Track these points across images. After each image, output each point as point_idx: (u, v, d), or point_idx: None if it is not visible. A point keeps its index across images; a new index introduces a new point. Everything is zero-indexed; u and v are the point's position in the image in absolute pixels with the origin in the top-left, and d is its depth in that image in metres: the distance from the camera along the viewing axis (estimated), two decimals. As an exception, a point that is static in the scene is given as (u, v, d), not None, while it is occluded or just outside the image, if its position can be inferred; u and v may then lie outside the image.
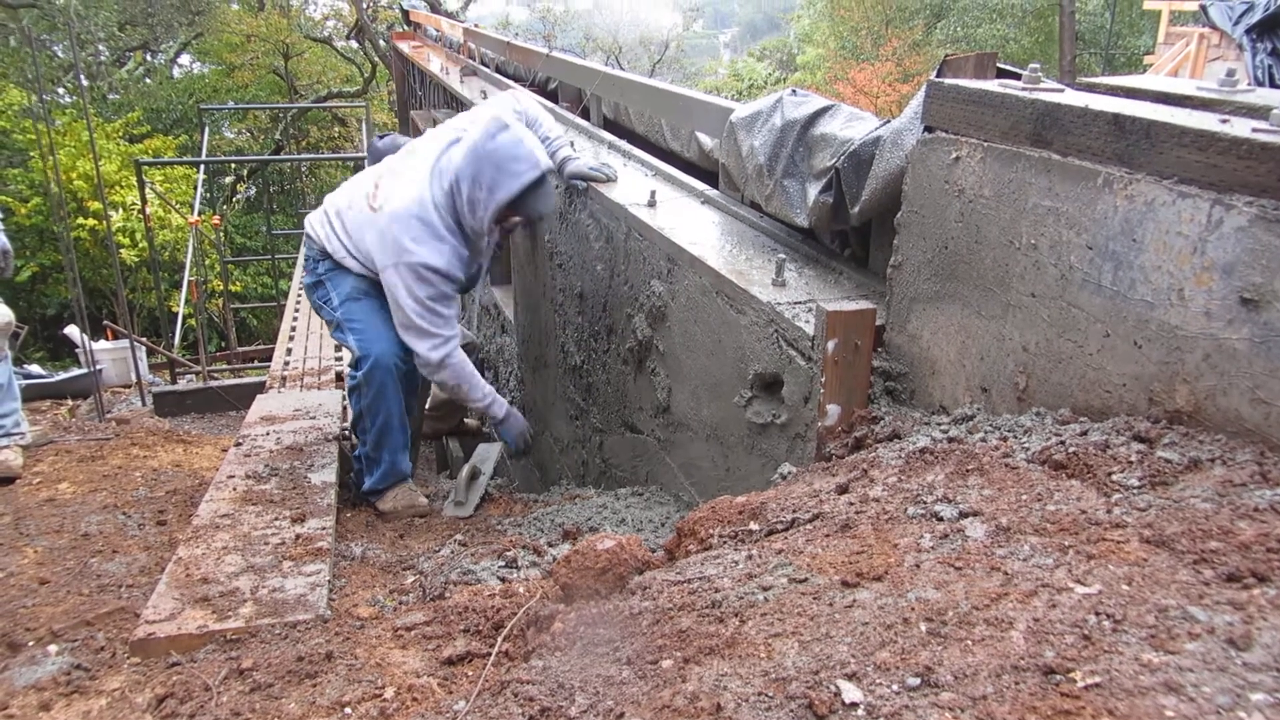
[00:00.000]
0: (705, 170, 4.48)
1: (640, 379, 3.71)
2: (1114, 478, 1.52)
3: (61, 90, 21.68)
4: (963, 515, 1.53)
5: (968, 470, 1.70)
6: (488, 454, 4.46)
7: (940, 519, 1.54)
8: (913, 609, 1.28)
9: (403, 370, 3.84)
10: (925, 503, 1.62)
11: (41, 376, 10.99)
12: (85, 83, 15.72)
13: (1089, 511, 1.42)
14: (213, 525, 3.07)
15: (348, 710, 1.79)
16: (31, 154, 15.93)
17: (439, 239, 3.60)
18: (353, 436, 4.22)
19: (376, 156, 4.89)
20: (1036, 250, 1.93)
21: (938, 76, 2.33)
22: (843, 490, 1.85)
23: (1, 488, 4.21)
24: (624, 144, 4.95)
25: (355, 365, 3.81)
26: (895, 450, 1.97)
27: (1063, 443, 1.68)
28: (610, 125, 5.79)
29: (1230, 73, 1.95)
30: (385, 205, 3.65)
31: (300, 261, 12.21)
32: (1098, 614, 1.17)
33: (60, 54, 21.65)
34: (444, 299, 3.68)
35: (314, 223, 3.97)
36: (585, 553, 1.94)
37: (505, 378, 5.86)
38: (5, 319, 4.50)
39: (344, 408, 4.65)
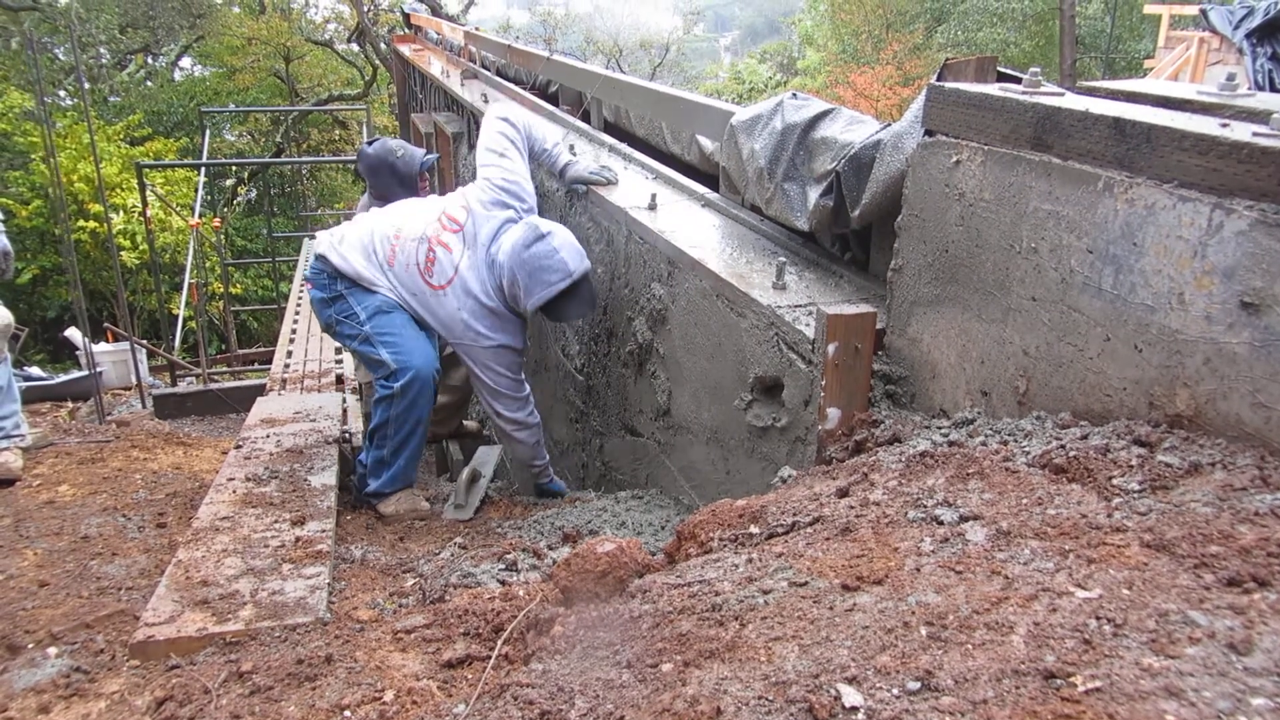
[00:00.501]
0: (706, 173, 4.48)
1: (640, 382, 3.71)
2: (1114, 482, 1.52)
3: (63, 93, 21.71)
4: (963, 519, 1.53)
5: (968, 474, 1.70)
6: (488, 457, 4.46)
7: (941, 523, 1.54)
8: (913, 613, 1.28)
9: (437, 382, 3.91)
10: (926, 506, 1.62)
11: (42, 379, 11.00)
12: (86, 85, 15.71)
13: (1089, 515, 1.42)
14: (212, 528, 3.06)
15: (347, 713, 1.78)
16: (33, 156, 15.96)
17: (505, 321, 3.89)
18: (359, 439, 4.22)
19: (366, 161, 4.89)
20: (1037, 254, 1.93)
21: (938, 80, 2.34)
22: (843, 494, 1.85)
23: (1, 490, 4.21)
24: (625, 147, 4.96)
25: (390, 377, 3.78)
26: (895, 454, 1.97)
27: (1063, 447, 1.68)
28: (611, 128, 5.79)
29: (1230, 77, 1.95)
30: (449, 291, 3.84)
31: (301, 266, 12.22)
32: (1098, 618, 1.17)
33: (61, 56, 21.67)
34: (518, 366, 4.02)
35: (329, 249, 3.89)
36: (585, 556, 1.93)
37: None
38: (5, 321, 4.50)
39: (344, 410, 4.64)
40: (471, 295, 3.82)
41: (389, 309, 3.83)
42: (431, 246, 3.85)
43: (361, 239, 3.89)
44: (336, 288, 3.88)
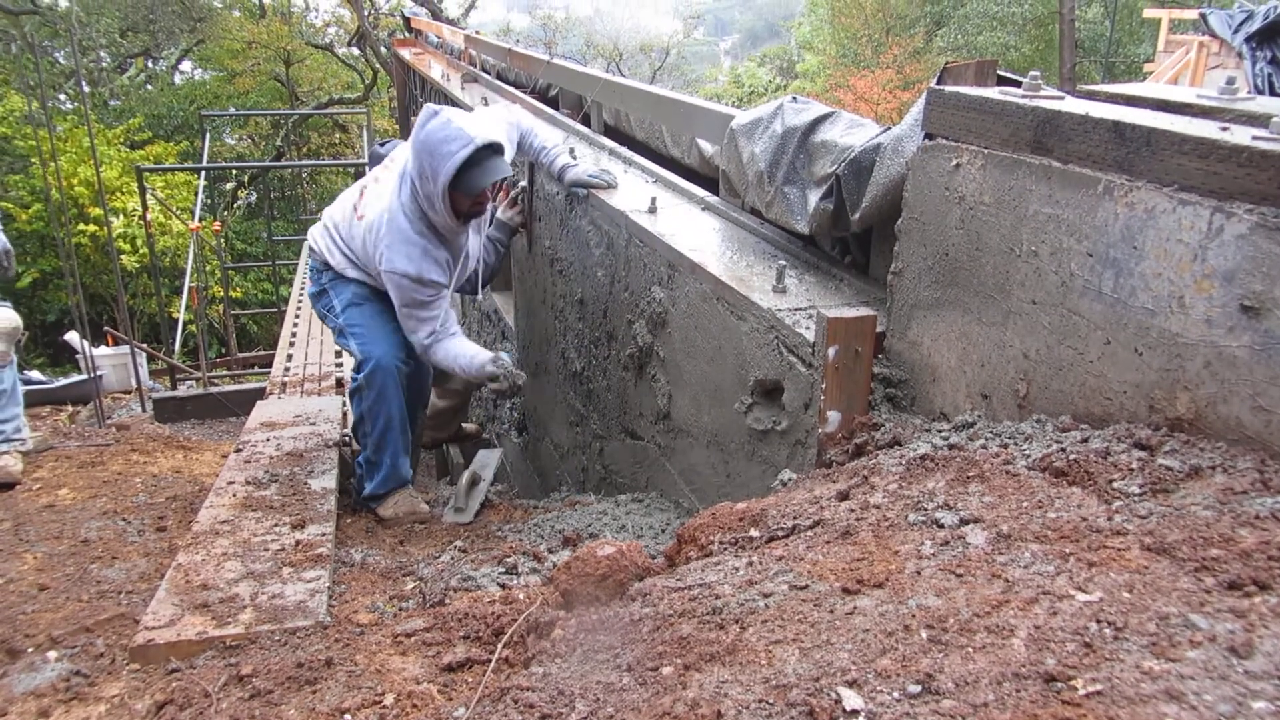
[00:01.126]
0: (706, 177, 4.49)
1: (641, 385, 3.71)
2: (1115, 485, 1.52)
3: (63, 96, 21.72)
4: (963, 522, 1.53)
5: (968, 477, 1.70)
6: (488, 460, 4.46)
7: (941, 526, 1.54)
8: (914, 616, 1.28)
9: (404, 372, 3.91)
10: (926, 510, 1.62)
11: (42, 382, 10.99)
12: (86, 89, 15.75)
13: (1090, 519, 1.42)
14: (213, 531, 3.06)
15: (347, 717, 1.78)
16: (33, 160, 15.95)
17: (408, 243, 3.69)
18: (353, 442, 4.23)
19: (377, 162, 4.90)
20: (1037, 257, 1.93)
21: (938, 84, 2.34)
22: (843, 497, 1.85)
23: (1, 494, 4.20)
24: (624, 150, 4.96)
25: (357, 368, 3.90)
26: (896, 457, 1.97)
27: (1063, 450, 1.68)
28: (611, 132, 5.80)
29: (1230, 80, 1.96)
30: (365, 214, 3.83)
31: (301, 268, 12.23)
32: (1099, 621, 1.17)
33: (62, 60, 21.68)
34: (417, 302, 3.80)
35: (315, 236, 4.12)
36: (585, 559, 1.94)
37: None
38: (13, 324, 4.50)
39: (344, 413, 4.65)
40: (377, 212, 3.76)
41: (361, 300, 3.96)
42: (365, 185, 3.95)
43: (331, 217, 4.06)
44: (321, 280, 4.05)
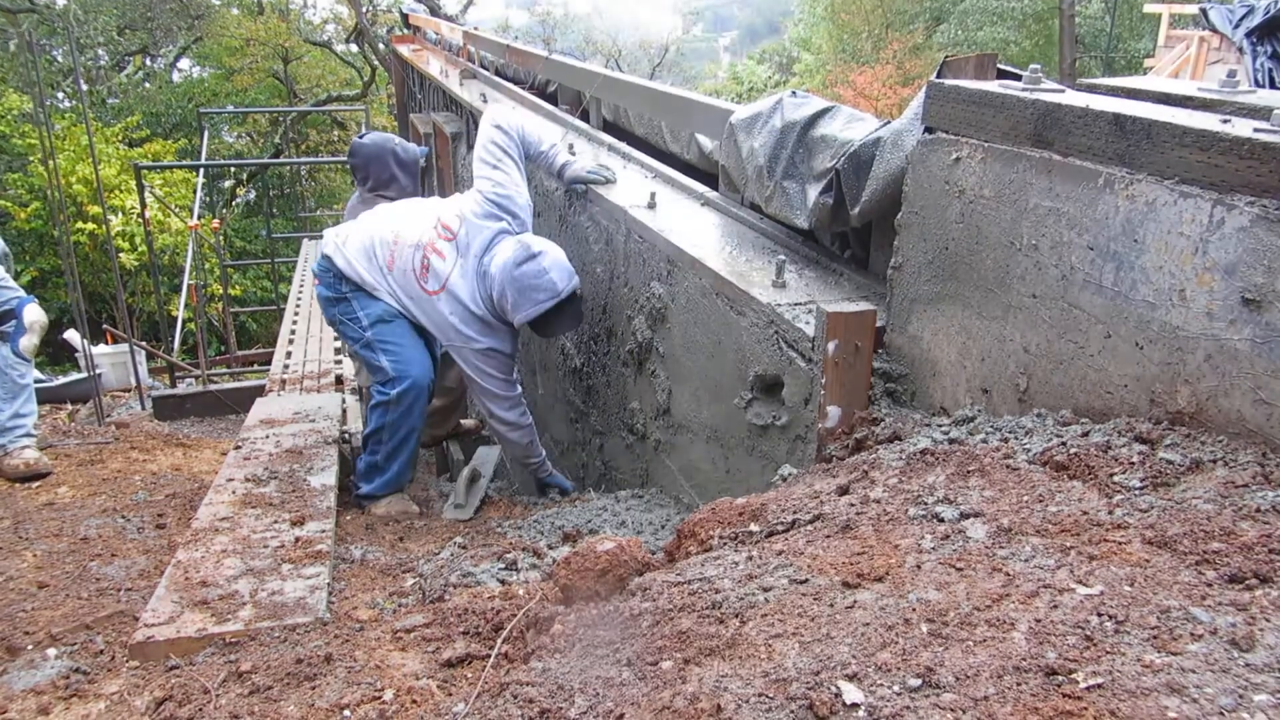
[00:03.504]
0: (705, 172, 4.48)
1: (640, 381, 3.71)
2: (1116, 479, 1.51)
3: (61, 95, 21.70)
4: (964, 516, 1.53)
5: (969, 471, 1.69)
6: (488, 457, 4.47)
7: (941, 520, 1.54)
8: (914, 610, 1.28)
9: (432, 391, 4.03)
10: (926, 504, 1.61)
11: (41, 381, 10.99)
12: (84, 87, 15.74)
13: (1091, 513, 1.42)
14: (212, 528, 3.06)
15: (347, 713, 1.78)
16: (31, 158, 15.94)
17: (494, 328, 3.96)
18: (353, 440, 4.24)
19: (365, 153, 4.86)
20: (1037, 251, 1.93)
21: (938, 78, 2.33)
22: (843, 491, 1.85)
23: (3, 491, 4.20)
24: (624, 146, 4.96)
25: (387, 384, 3.93)
26: (896, 452, 1.96)
27: (1064, 444, 1.68)
28: (610, 128, 5.79)
29: (1231, 74, 1.95)
30: (441, 296, 3.92)
31: (300, 266, 12.21)
32: (1100, 615, 1.16)
33: (60, 58, 21.67)
34: (509, 369, 4.07)
35: (335, 250, 4.02)
36: (585, 555, 1.93)
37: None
38: (45, 320, 4.52)
39: (343, 410, 4.64)
40: (461, 303, 3.91)
41: (390, 318, 3.96)
42: (426, 254, 3.94)
43: (363, 243, 3.98)
44: (342, 289, 3.99)
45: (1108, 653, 1.10)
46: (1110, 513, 1.41)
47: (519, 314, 3.82)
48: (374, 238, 3.97)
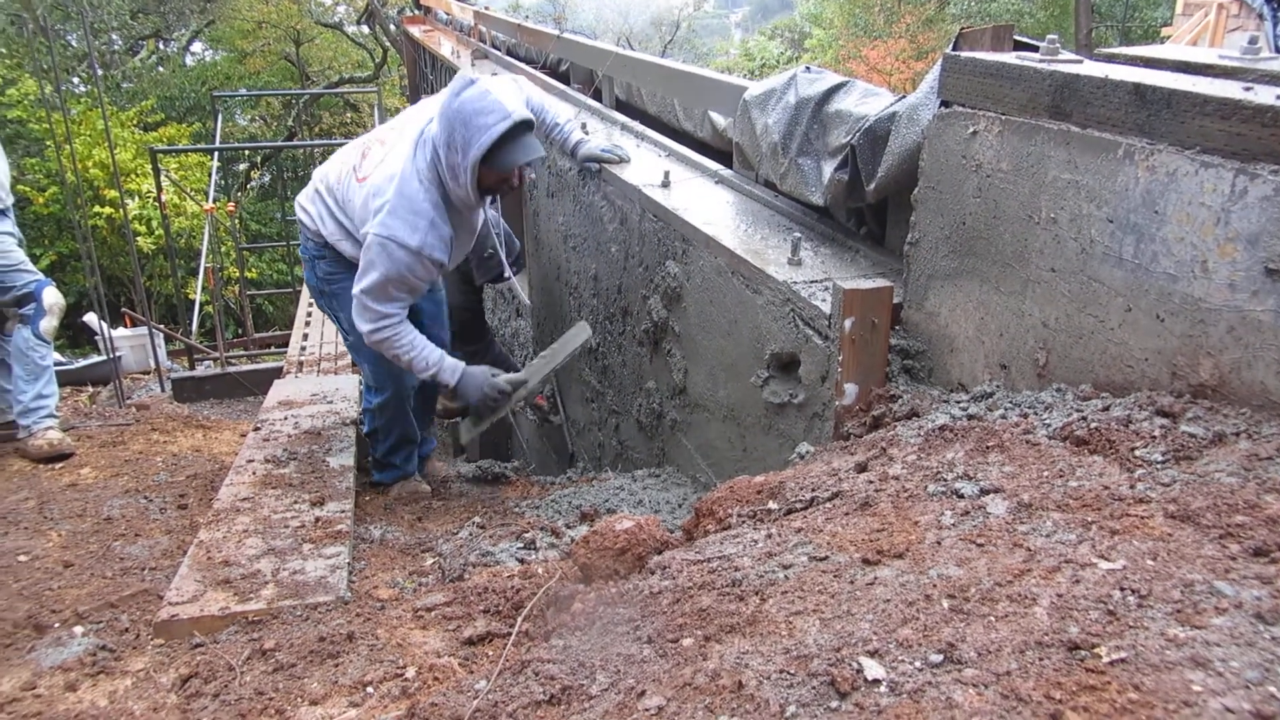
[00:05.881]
0: (719, 150, 4.45)
1: (656, 360, 3.70)
2: (1137, 453, 1.50)
3: (76, 79, 21.73)
4: (984, 492, 1.52)
5: (988, 447, 1.68)
6: (576, 335, 4.12)
7: (961, 496, 1.53)
8: (934, 586, 1.27)
9: (418, 391, 3.97)
10: (945, 480, 1.61)
11: (61, 363, 11.07)
12: (99, 71, 15.75)
13: (1112, 487, 1.41)
14: (233, 509, 3.08)
15: (369, 690, 1.79)
16: (48, 143, 15.98)
17: (415, 212, 3.35)
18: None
19: None
20: (1056, 224, 1.91)
21: (954, 50, 2.30)
22: (862, 468, 1.84)
23: (25, 472, 4.24)
24: (637, 125, 4.93)
25: (369, 390, 3.88)
26: (914, 428, 1.95)
27: (1084, 419, 1.66)
28: (622, 106, 5.76)
29: (1253, 40, 1.92)
30: (370, 176, 3.45)
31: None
32: (1122, 589, 1.16)
33: (74, 43, 21.67)
34: (404, 284, 3.41)
35: (303, 202, 3.73)
36: (604, 533, 1.93)
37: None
38: (63, 302, 4.55)
39: (360, 392, 4.66)
40: (387, 174, 3.40)
41: None
42: (368, 146, 3.60)
43: (322, 174, 3.68)
44: (318, 271, 3.75)
45: (1131, 627, 1.09)
46: (1132, 487, 1.40)
47: (472, 150, 3.26)
48: (338, 170, 3.63)
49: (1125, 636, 1.07)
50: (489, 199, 3.67)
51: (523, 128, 3.35)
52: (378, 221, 3.33)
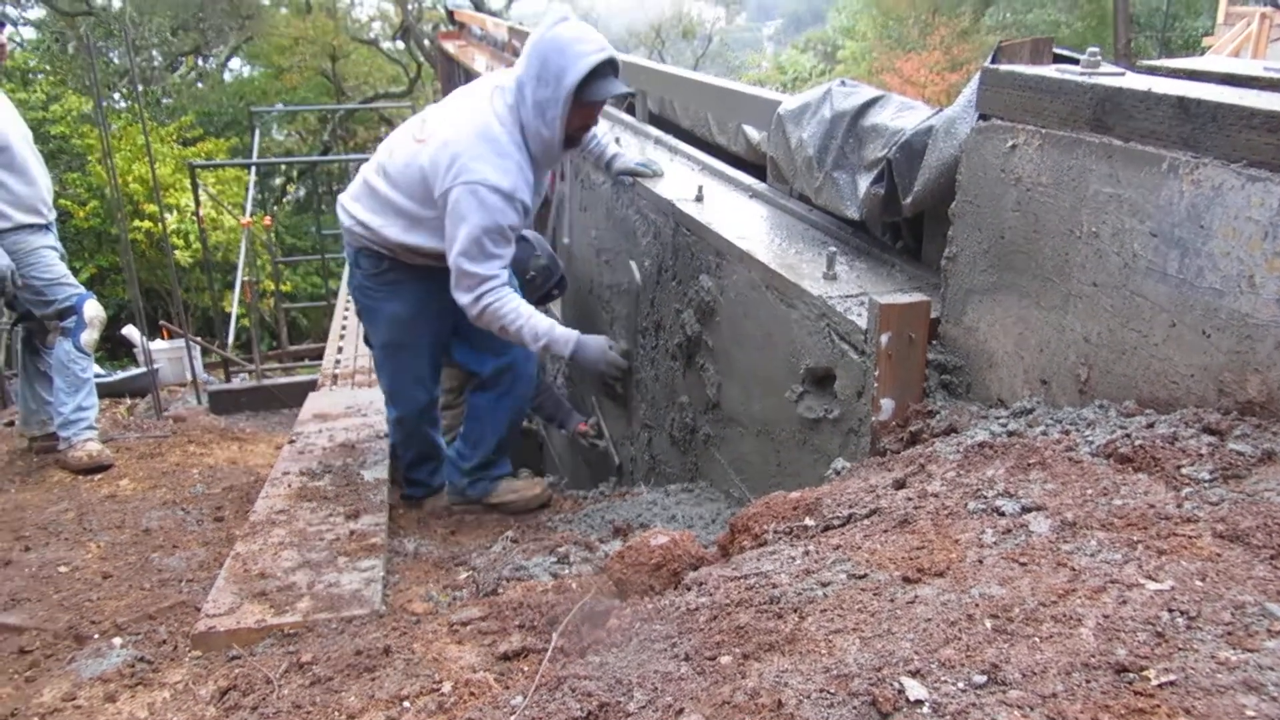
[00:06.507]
0: (753, 164, 4.44)
1: (689, 375, 3.70)
2: (1184, 471, 1.48)
3: (117, 95, 22.14)
4: (1025, 510, 1.50)
5: (1029, 464, 1.67)
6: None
7: (1002, 514, 1.51)
8: (977, 605, 1.26)
9: (438, 403, 3.95)
10: (986, 497, 1.59)
11: (100, 375, 11.23)
12: (140, 88, 16.02)
13: (1158, 506, 1.39)
14: (269, 521, 3.11)
15: (406, 704, 1.80)
16: (89, 158, 16.29)
17: (502, 154, 3.17)
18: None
19: None
20: (1098, 238, 1.89)
21: (992, 63, 2.29)
22: (900, 485, 1.83)
23: (65, 483, 4.31)
24: (670, 139, 4.94)
25: (386, 405, 3.88)
26: (953, 445, 1.94)
27: (1128, 436, 1.64)
28: (655, 120, 5.77)
29: (1300, 53, 1.89)
30: (435, 134, 3.26)
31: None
32: (1171, 611, 1.14)
33: (116, 60, 22.11)
34: (501, 234, 3.21)
35: (346, 201, 3.56)
36: (639, 549, 1.93)
37: (553, 374, 5.87)
38: (103, 315, 4.62)
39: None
40: (463, 123, 3.22)
41: (395, 342, 3.62)
42: (426, 116, 3.43)
43: (371, 163, 3.50)
44: (355, 282, 3.62)
45: (1180, 649, 1.07)
46: (1179, 506, 1.38)
47: (567, 78, 3.11)
48: (389, 149, 3.45)
49: (1174, 659, 1.06)
50: (566, 159, 3.57)
51: (613, 65, 3.22)
52: (460, 168, 3.13)
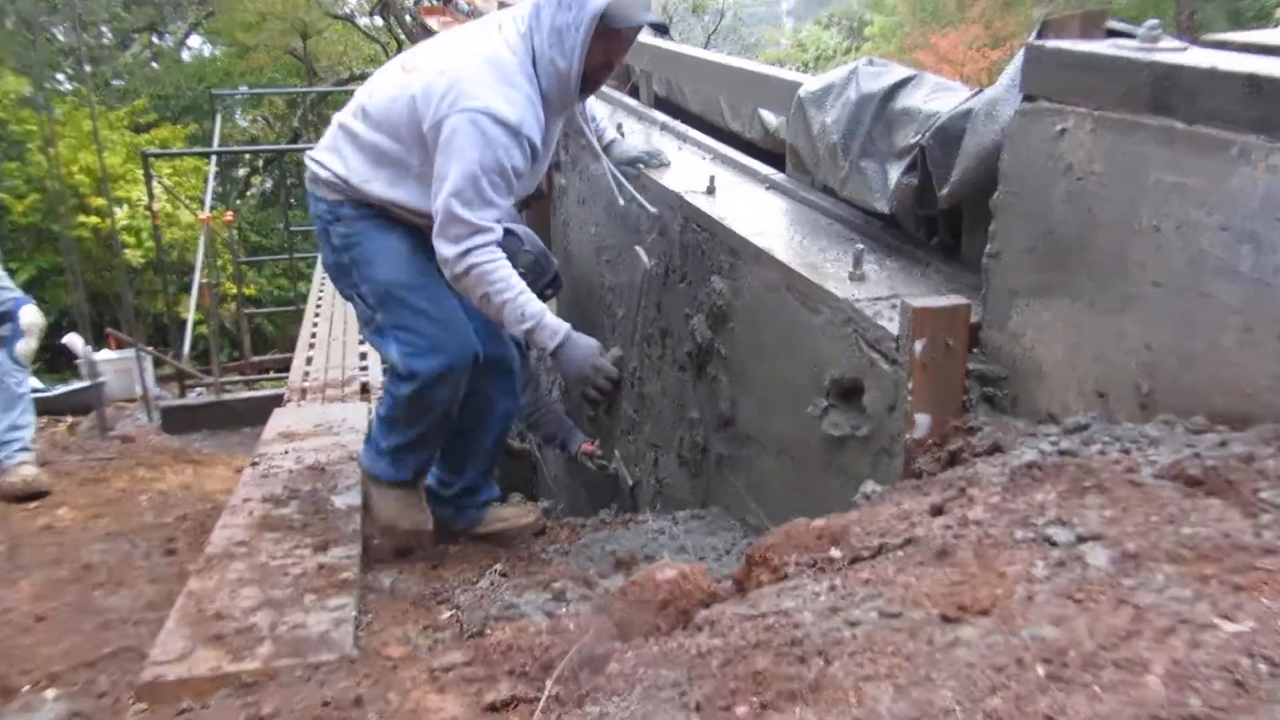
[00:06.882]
0: (770, 152, 4.45)
1: (700, 388, 3.69)
2: (1262, 495, 1.46)
3: (61, 76, 22.22)
4: (1081, 540, 1.48)
5: (1084, 488, 1.65)
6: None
7: (1054, 544, 1.50)
8: (1026, 648, 1.24)
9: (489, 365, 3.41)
10: (1035, 525, 1.57)
11: (39, 390, 11.24)
12: (88, 68, 16.08)
13: (1233, 535, 1.37)
14: (227, 554, 3.09)
15: (378, 762, 1.78)
16: (29, 146, 16.30)
17: (511, 84, 3.03)
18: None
19: None
20: (1160, 233, 1.88)
21: (1038, 38, 2.29)
22: (937, 511, 1.81)
23: (14, 508, 4.29)
24: (678, 124, 4.95)
25: (413, 355, 3.23)
26: (997, 465, 1.92)
27: (1197, 455, 1.62)
28: (662, 104, 5.78)
29: (1388, 23, 1.88)
30: (432, 61, 3.11)
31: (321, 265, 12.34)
32: (1250, 655, 1.12)
33: (60, 37, 22.20)
34: (503, 175, 3.02)
35: (318, 155, 3.35)
36: (643, 584, 1.92)
37: (547, 386, 5.87)
38: (40, 323, 4.61)
39: (369, 422, 4.67)
40: (466, 50, 3.09)
41: (408, 277, 3.24)
42: (416, 49, 3.35)
43: (355, 100, 3.32)
44: (333, 237, 3.30)
45: (1264, 700, 1.05)
46: (1257, 535, 1.36)
47: (591, 2, 2.99)
48: (369, 88, 3.29)
49: (1257, 711, 1.04)
50: (582, 104, 3.36)
51: None
52: (460, 94, 2.96)
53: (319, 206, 3.35)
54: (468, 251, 3.04)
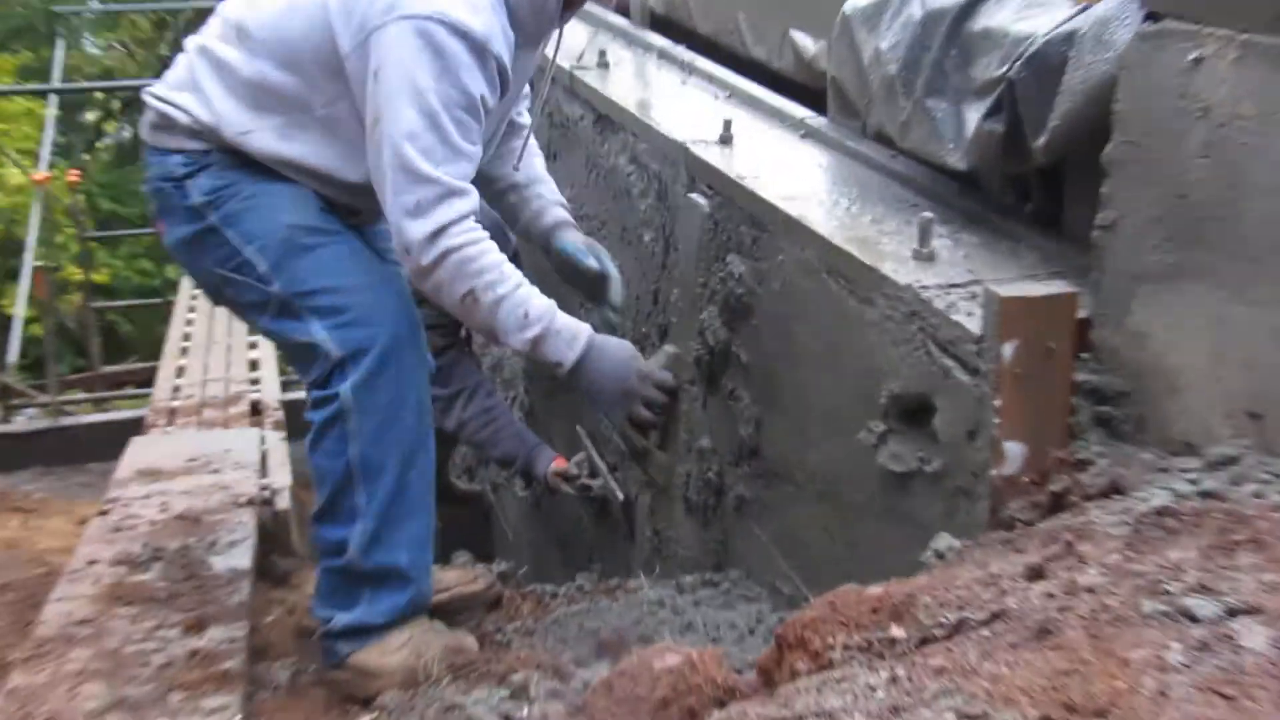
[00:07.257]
0: (806, 87, 4.47)
1: (713, 406, 3.69)
2: None
3: None
4: (1231, 613, 1.49)
5: (1235, 542, 1.66)
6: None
7: (1195, 620, 1.50)
8: (1159, 763, 1.25)
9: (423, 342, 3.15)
10: (1169, 594, 1.58)
11: None
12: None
13: None
14: (64, 638, 3.08)
15: None
16: None
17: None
18: (286, 498, 4.15)
19: None
20: (1334, 198, 1.89)
21: (1167, -64, 2.31)
22: (1036, 575, 1.82)
23: None
24: (681, 51, 4.97)
25: (335, 370, 2.91)
26: (1117, 512, 1.94)
27: (1388, 498, 1.63)
28: (660, 24, 5.81)
29: None
30: None
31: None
32: None
33: None
34: (471, 108, 2.81)
35: (165, 92, 3.06)
36: (635, 676, 1.92)
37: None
38: None
39: (263, 455, 4.66)
40: None
41: (310, 220, 3.00)
42: None
43: (223, 11, 3.09)
44: (192, 195, 2.99)
45: None
46: None
47: None
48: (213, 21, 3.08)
49: None
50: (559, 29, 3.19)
51: None
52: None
53: (166, 161, 3.04)
54: (441, 230, 2.79)
